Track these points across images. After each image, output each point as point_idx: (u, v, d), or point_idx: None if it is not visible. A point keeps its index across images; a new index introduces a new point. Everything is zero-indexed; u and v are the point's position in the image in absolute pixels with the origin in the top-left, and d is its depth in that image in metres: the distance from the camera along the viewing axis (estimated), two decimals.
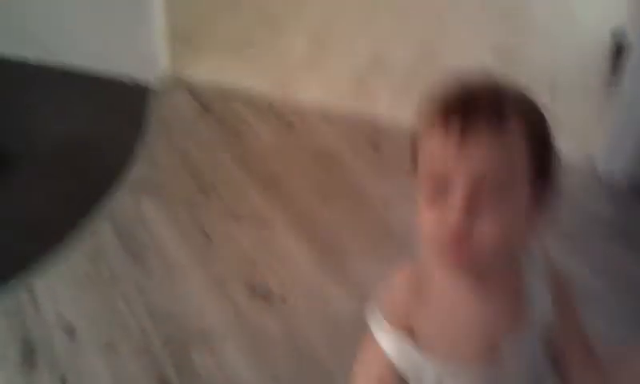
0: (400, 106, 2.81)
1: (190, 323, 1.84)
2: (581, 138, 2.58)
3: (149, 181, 2.32)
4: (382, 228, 2.17)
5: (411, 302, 0.93)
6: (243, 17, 3.52)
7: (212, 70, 2.98)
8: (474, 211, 0.77)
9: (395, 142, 2.59)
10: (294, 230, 2.12)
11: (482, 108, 0.80)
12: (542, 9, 3.96)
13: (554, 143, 0.86)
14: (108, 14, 2.80)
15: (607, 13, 3.63)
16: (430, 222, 0.82)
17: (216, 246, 2.07)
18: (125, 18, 2.79)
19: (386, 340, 0.93)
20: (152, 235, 2.09)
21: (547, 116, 0.87)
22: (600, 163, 2.45)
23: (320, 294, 1.92)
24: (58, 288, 1.90)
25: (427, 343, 0.91)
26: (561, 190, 0.88)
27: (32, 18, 2.91)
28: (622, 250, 2.09)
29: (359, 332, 1.00)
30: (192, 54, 3.09)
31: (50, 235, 2.06)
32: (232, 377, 1.71)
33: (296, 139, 2.59)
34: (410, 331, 0.91)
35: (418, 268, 0.94)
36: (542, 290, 0.91)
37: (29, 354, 1.73)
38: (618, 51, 2.79)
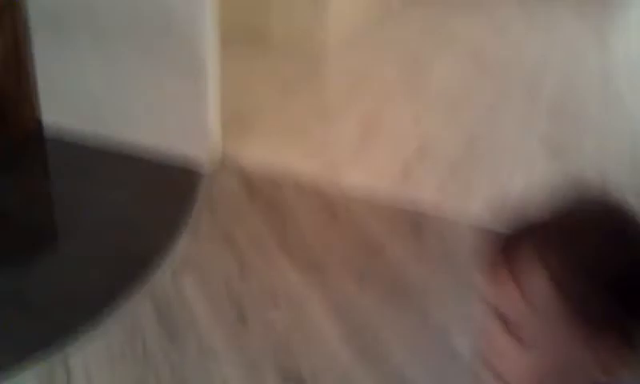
0: (445, 196, 2.81)
1: None
2: None
3: (191, 260, 2.34)
4: (420, 318, 2.12)
5: None
6: (295, 105, 3.62)
7: (261, 154, 3.04)
8: (497, 342, 0.77)
9: (438, 231, 2.57)
10: (330, 316, 2.10)
11: (504, 257, 0.78)
12: (593, 101, 3.94)
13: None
14: (165, 97, 2.92)
15: None
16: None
17: (251, 327, 2.05)
18: (181, 100, 2.90)
19: None
20: (189, 314, 2.09)
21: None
22: None
23: (353, 380, 1.87)
24: (92, 362, 1.90)
25: None
26: None
27: (93, 98, 3.05)
28: None
29: None
30: (243, 138, 3.17)
31: (89, 309, 2.09)
32: None
33: (340, 225, 2.60)
34: None
35: None
36: None
37: None
38: None
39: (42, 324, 2.04)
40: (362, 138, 3.28)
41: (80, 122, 3.09)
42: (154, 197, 2.74)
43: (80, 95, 3.08)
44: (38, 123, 3.16)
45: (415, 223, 2.59)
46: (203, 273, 2.28)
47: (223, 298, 2.16)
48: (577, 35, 5.27)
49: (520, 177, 3.00)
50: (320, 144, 3.21)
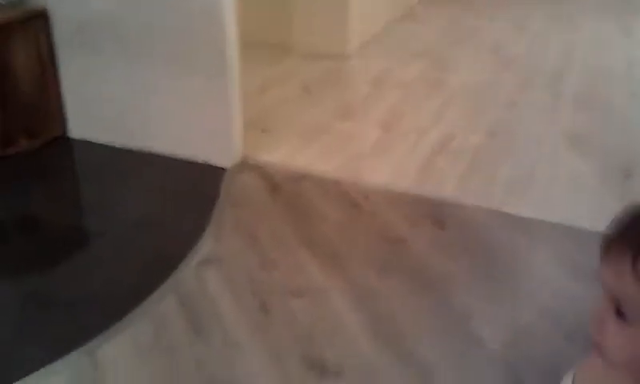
0: (466, 187, 2.81)
1: None
2: None
3: (214, 256, 2.38)
4: (443, 306, 2.13)
5: None
6: (316, 104, 3.64)
7: (283, 153, 3.07)
8: (605, 321, 0.81)
9: (460, 222, 2.57)
10: (353, 308, 2.11)
11: (622, 239, 0.82)
12: (616, 93, 3.91)
13: None
14: (188, 101, 2.97)
15: None
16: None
17: (275, 319, 2.07)
18: (203, 104, 2.95)
19: None
20: (213, 307, 2.12)
21: None
22: None
23: (377, 370, 1.88)
24: (120, 356, 1.94)
25: None
26: None
27: (117, 104, 3.12)
28: None
29: None
30: (265, 139, 3.21)
31: (117, 305, 2.13)
32: None
33: (361, 218, 2.62)
34: None
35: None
36: None
37: None
38: None
39: (71, 319, 2.09)
40: (384, 134, 3.30)
41: (105, 128, 3.16)
42: (178, 196, 2.79)
43: (105, 102, 3.15)
44: (65, 130, 3.24)
45: (437, 214, 2.60)
46: (226, 267, 2.31)
47: (246, 290, 2.18)
48: (600, 28, 5.23)
49: (543, 168, 2.99)
50: (341, 141, 3.23)
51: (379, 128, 3.37)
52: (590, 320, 0.83)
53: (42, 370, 1.88)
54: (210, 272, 2.28)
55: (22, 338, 2.02)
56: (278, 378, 1.87)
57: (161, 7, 2.87)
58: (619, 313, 0.80)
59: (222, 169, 2.93)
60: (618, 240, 0.81)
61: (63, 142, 3.22)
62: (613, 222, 0.83)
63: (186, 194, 2.81)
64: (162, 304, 2.14)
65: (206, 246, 2.42)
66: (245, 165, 2.98)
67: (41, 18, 3.07)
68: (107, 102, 3.14)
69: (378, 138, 3.26)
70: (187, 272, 2.28)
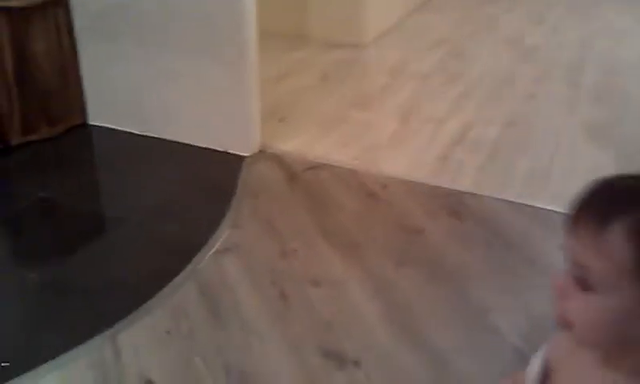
0: (484, 178, 2.80)
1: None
2: None
3: (233, 244, 2.39)
4: (460, 297, 2.13)
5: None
6: (333, 94, 3.65)
7: (301, 144, 3.08)
8: (569, 293, 0.82)
9: (477, 213, 2.57)
10: (371, 297, 2.12)
11: (588, 210, 0.83)
12: (635, 84, 3.88)
13: None
14: (206, 89, 2.98)
15: None
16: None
17: (293, 309, 2.09)
18: (221, 93, 2.97)
19: None
20: (233, 296, 2.14)
21: None
22: None
23: (394, 359, 1.89)
24: (140, 342, 1.96)
25: None
26: None
27: (136, 93, 3.13)
28: None
29: None
30: (283, 128, 3.22)
31: (137, 293, 2.15)
32: None
33: (379, 210, 2.62)
34: None
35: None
36: None
37: None
38: None
39: (90, 306, 2.11)
40: (401, 124, 3.30)
41: (124, 116, 3.18)
42: (197, 184, 2.81)
43: (124, 90, 3.16)
44: (85, 117, 3.26)
45: (454, 205, 2.60)
46: (245, 256, 2.33)
47: (265, 279, 2.20)
48: (618, 19, 5.19)
49: (561, 160, 2.98)
50: (359, 130, 3.23)
51: (397, 118, 3.37)
52: (553, 295, 0.84)
53: (62, 357, 1.90)
54: (229, 260, 2.30)
55: (40, 325, 2.05)
56: (296, 367, 1.88)
57: None
58: (584, 284, 0.81)
59: (240, 157, 2.95)
60: (584, 211, 0.83)
61: (83, 129, 3.24)
62: (579, 196, 0.84)
63: (205, 183, 2.83)
64: (182, 291, 2.16)
65: (224, 235, 2.44)
66: (262, 154, 2.99)
67: (60, 4, 3.08)
68: (126, 89, 3.16)
69: (395, 128, 3.26)
70: (206, 260, 2.30)
